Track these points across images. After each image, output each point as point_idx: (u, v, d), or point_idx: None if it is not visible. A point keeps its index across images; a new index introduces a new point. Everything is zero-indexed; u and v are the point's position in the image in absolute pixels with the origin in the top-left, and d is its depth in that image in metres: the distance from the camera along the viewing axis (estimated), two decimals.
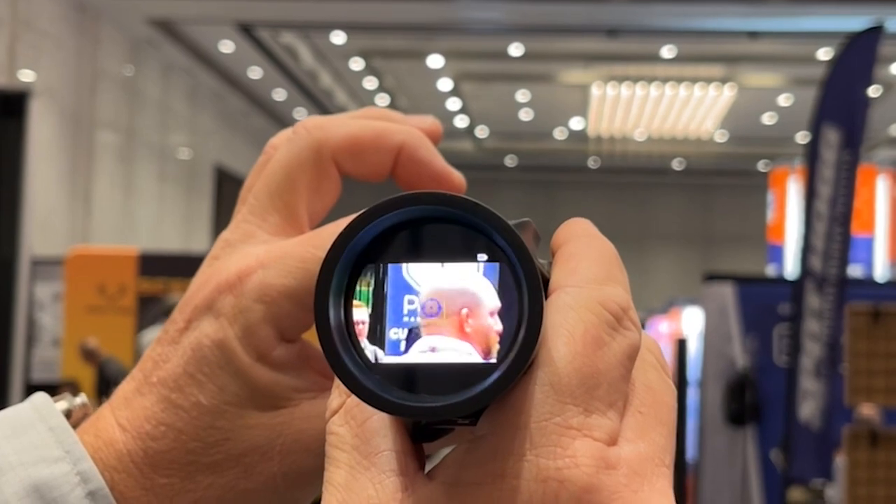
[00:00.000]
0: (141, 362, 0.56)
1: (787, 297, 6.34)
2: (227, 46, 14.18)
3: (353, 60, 15.06)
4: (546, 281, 0.42)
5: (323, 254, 0.41)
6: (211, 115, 16.08)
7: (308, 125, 0.59)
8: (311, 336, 0.52)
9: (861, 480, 5.04)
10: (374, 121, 0.59)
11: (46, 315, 8.50)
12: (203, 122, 15.81)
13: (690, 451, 8.61)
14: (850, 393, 5.14)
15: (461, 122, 18.58)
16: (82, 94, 11.94)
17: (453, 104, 17.37)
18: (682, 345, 9.23)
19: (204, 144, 15.86)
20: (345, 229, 0.38)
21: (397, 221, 0.38)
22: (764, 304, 7.40)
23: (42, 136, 10.02)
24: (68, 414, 0.55)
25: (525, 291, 0.37)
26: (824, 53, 12.88)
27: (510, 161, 21.45)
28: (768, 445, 7.08)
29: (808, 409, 5.93)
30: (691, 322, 12.46)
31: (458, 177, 0.59)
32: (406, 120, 0.60)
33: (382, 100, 17.03)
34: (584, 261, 0.42)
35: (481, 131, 19.50)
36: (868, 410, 5.54)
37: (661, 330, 15.69)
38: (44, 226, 10.07)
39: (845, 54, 6.08)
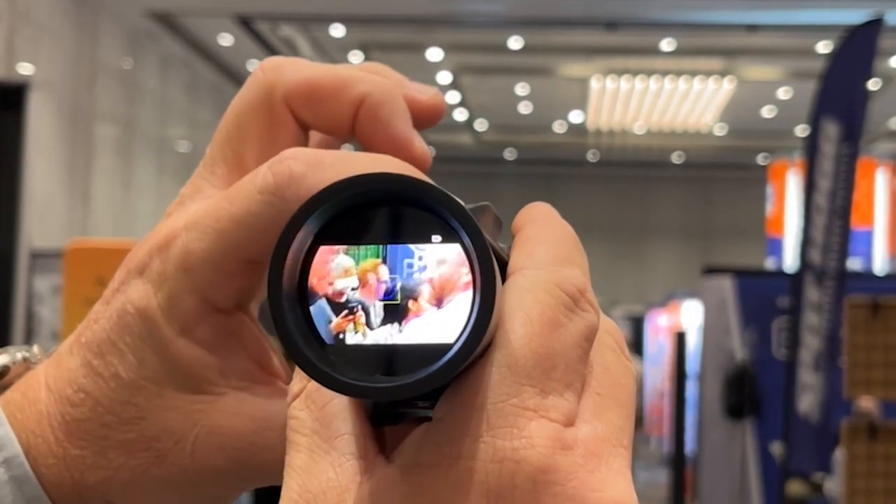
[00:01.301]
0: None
1: (787, 290, 6.34)
2: (226, 39, 14.17)
3: (353, 53, 15.05)
4: (505, 264, 0.42)
5: (237, 210, 0.41)
6: (210, 107, 16.07)
7: (265, 66, 0.53)
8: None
9: (860, 473, 5.05)
10: (344, 68, 0.53)
11: (45, 308, 8.49)
12: (202, 114, 15.80)
13: (689, 444, 8.63)
14: (848, 386, 5.14)
15: (460, 115, 18.57)
16: (81, 87, 11.92)
17: (452, 97, 17.36)
18: (681, 338, 9.23)
19: (203, 137, 15.84)
20: (300, 209, 0.38)
21: (354, 202, 0.38)
22: (763, 297, 7.41)
23: (40, 129, 10.01)
24: (5, 371, 0.54)
25: (478, 271, 0.37)
26: (824, 46, 12.86)
27: (509, 154, 21.44)
28: (767, 438, 7.09)
29: (807, 402, 5.94)
30: (690, 315, 12.48)
31: (419, 146, 0.51)
32: (401, 81, 0.53)
33: None
34: (541, 243, 0.42)
35: (480, 124, 19.48)
36: (867, 403, 5.55)
37: (661, 323, 15.69)
38: (42, 218, 10.06)
39: (845, 47, 6.08)
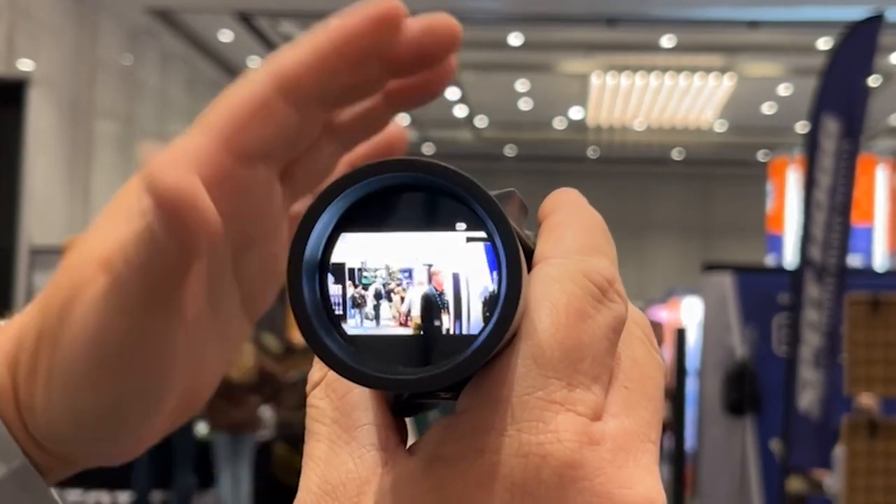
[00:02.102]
0: None
1: (787, 286, 6.34)
2: (226, 36, 14.16)
3: None
4: (531, 252, 0.41)
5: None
6: (210, 104, 16.09)
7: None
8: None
9: (860, 470, 5.05)
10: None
11: None
12: (202, 111, 15.81)
13: (689, 441, 8.62)
14: (849, 382, 5.14)
15: (460, 111, 18.56)
16: (81, 84, 11.92)
17: (452, 94, 17.35)
18: (681, 334, 9.21)
19: None
20: (320, 195, 0.37)
21: (372, 189, 0.37)
22: (763, 293, 7.40)
23: (41, 126, 10.01)
24: None
25: (503, 261, 0.36)
26: (824, 43, 12.85)
27: (509, 151, 21.42)
28: (767, 435, 7.09)
29: (807, 398, 5.94)
30: (690, 312, 12.48)
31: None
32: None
33: None
34: (569, 231, 0.41)
35: (480, 121, 19.47)
36: (867, 400, 5.55)
37: (661, 319, 15.70)
38: (42, 215, 10.06)
39: (845, 44, 6.07)
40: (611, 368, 0.39)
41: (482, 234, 0.37)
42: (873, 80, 8.11)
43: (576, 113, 18.43)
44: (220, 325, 0.51)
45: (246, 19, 13.41)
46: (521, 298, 0.36)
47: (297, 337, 11.55)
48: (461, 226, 0.37)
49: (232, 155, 0.47)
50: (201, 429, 7.85)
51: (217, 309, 0.50)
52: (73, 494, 7.86)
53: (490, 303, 0.37)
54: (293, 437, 7.69)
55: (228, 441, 7.44)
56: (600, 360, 0.38)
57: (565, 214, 0.42)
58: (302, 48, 0.48)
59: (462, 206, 0.37)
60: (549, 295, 0.38)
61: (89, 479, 7.84)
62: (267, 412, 8.19)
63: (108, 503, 8.03)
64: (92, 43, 12.15)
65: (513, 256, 0.36)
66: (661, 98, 16.98)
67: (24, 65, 10.47)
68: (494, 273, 0.37)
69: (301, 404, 6.82)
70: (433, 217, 0.37)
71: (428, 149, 21.06)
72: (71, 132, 11.70)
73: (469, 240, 0.37)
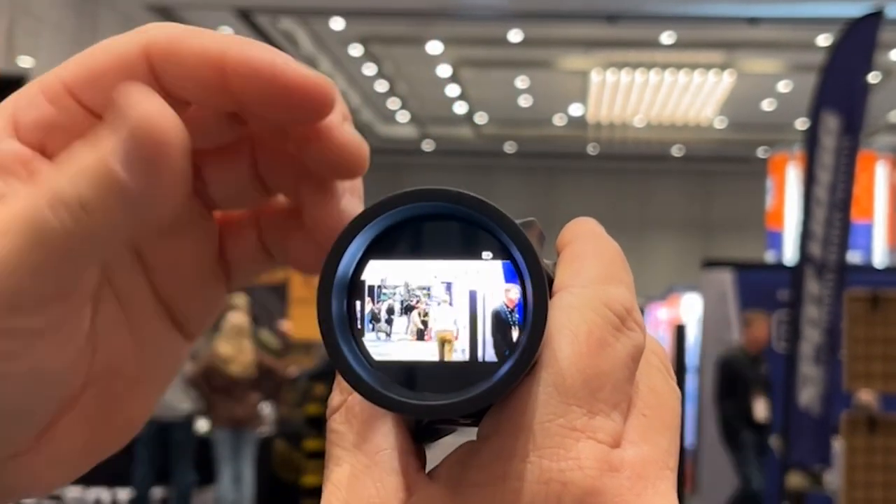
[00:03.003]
0: None
1: (786, 283, 6.34)
2: (225, 32, 14.18)
3: (353, 46, 15.02)
4: (550, 281, 0.41)
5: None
6: None
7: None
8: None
9: (859, 466, 5.05)
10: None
11: None
12: None
13: (689, 437, 8.62)
14: (848, 379, 5.15)
15: (460, 108, 18.55)
16: None
17: (452, 90, 17.34)
18: (680, 331, 9.21)
19: None
20: (350, 224, 0.37)
21: (402, 218, 0.38)
22: (763, 290, 7.41)
23: None
24: None
25: (530, 290, 0.37)
26: (824, 39, 12.85)
27: (509, 147, 21.41)
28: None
29: (807, 394, 5.94)
30: (690, 308, 12.47)
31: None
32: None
33: (381, 86, 16.99)
34: (588, 261, 0.42)
35: (480, 117, 19.46)
36: (866, 396, 5.56)
37: (660, 316, 15.68)
38: None
39: (845, 40, 6.07)
40: (630, 396, 0.40)
41: (508, 263, 0.38)
42: (873, 77, 8.11)
43: (576, 109, 18.42)
44: (131, 327, 0.45)
45: (246, 16, 13.40)
46: (546, 327, 0.37)
47: (291, 332, 11.52)
48: (487, 254, 0.38)
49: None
50: (202, 425, 7.85)
51: (126, 304, 0.44)
52: (74, 491, 7.86)
53: (515, 331, 0.37)
54: (293, 433, 7.69)
55: (229, 437, 7.44)
56: (620, 388, 0.39)
57: (584, 244, 0.43)
58: (204, 37, 0.42)
59: (487, 235, 0.38)
60: (569, 323, 0.39)
61: (89, 476, 7.84)
62: (267, 408, 8.20)
63: (108, 500, 8.02)
64: (92, 39, 12.10)
65: (539, 287, 0.37)
66: (660, 95, 16.98)
67: (24, 61, 10.46)
68: (516, 301, 0.37)
69: (300, 402, 6.76)
70: (459, 245, 0.38)
71: (428, 146, 21.06)
72: None
73: (494, 268, 0.38)
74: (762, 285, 7.46)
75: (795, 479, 6.20)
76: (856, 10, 6.63)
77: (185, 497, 7.58)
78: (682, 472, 9.06)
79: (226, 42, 0.42)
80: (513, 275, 0.38)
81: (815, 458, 6.03)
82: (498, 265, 0.38)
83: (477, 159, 21.36)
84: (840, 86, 5.97)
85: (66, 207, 0.36)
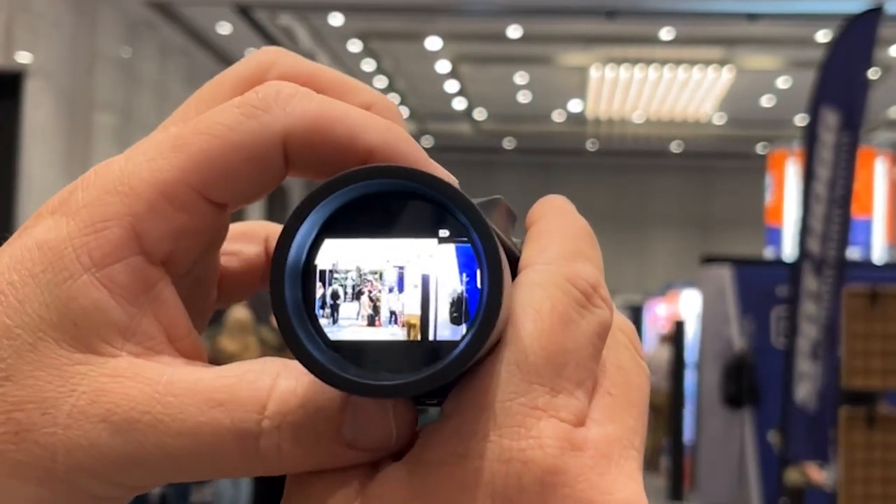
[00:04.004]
0: None
1: (785, 279, 6.34)
2: (224, 28, 14.15)
3: (351, 42, 15.01)
4: (517, 259, 0.41)
5: (205, 124, 0.38)
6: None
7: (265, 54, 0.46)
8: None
9: (857, 461, 5.06)
10: (354, 110, 0.42)
11: None
12: None
13: (688, 433, 8.64)
14: (846, 374, 5.15)
15: (459, 104, 18.54)
16: (79, 76, 11.90)
17: (451, 86, 17.33)
18: (679, 327, 9.24)
19: None
20: (302, 201, 0.37)
21: (358, 195, 0.38)
22: (762, 286, 7.41)
23: (38, 118, 9.99)
24: None
25: (485, 267, 0.36)
26: (823, 35, 12.84)
27: (508, 143, 21.41)
28: (765, 427, 7.10)
29: (805, 390, 5.94)
30: (689, 304, 12.49)
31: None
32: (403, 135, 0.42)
33: (380, 82, 16.98)
34: (554, 238, 0.41)
35: (479, 113, 19.46)
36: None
37: (659, 312, 15.71)
38: (40, 206, 10.05)
39: (844, 36, 6.07)
40: (595, 374, 0.39)
41: (465, 241, 0.37)
42: (872, 73, 8.10)
43: (575, 105, 18.41)
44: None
45: (244, 12, 13.39)
46: (504, 305, 0.36)
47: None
48: (444, 233, 0.37)
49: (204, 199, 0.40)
50: None
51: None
52: None
53: (472, 308, 0.37)
54: None
55: None
56: (584, 366, 0.38)
57: (550, 221, 0.42)
58: (348, 121, 0.40)
59: (444, 213, 0.37)
60: (532, 301, 0.38)
61: None
62: None
63: None
64: (90, 35, 12.13)
65: (494, 262, 0.36)
66: (660, 91, 16.97)
67: (22, 57, 10.45)
68: (476, 279, 0.37)
69: None
70: (415, 223, 0.38)
71: (426, 142, 21.05)
72: (69, 124, 11.69)
73: (445, 243, 0.37)
74: (761, 281, 7.46)
75: (794, 475, 6.21)
76: (855, 6, 6.63)
77: (183, 494, 7.59)
78: (682, 468, 9.06)
79: (375, 129, 0.40)
80: (470, 253, 0.37)
81: (813, 454, 6.03)
82: (452, 247, 0.37)
83: (476, 155, 21.36)
84: (839, 82, 5.97)
85: (276, 448, 0.38)
